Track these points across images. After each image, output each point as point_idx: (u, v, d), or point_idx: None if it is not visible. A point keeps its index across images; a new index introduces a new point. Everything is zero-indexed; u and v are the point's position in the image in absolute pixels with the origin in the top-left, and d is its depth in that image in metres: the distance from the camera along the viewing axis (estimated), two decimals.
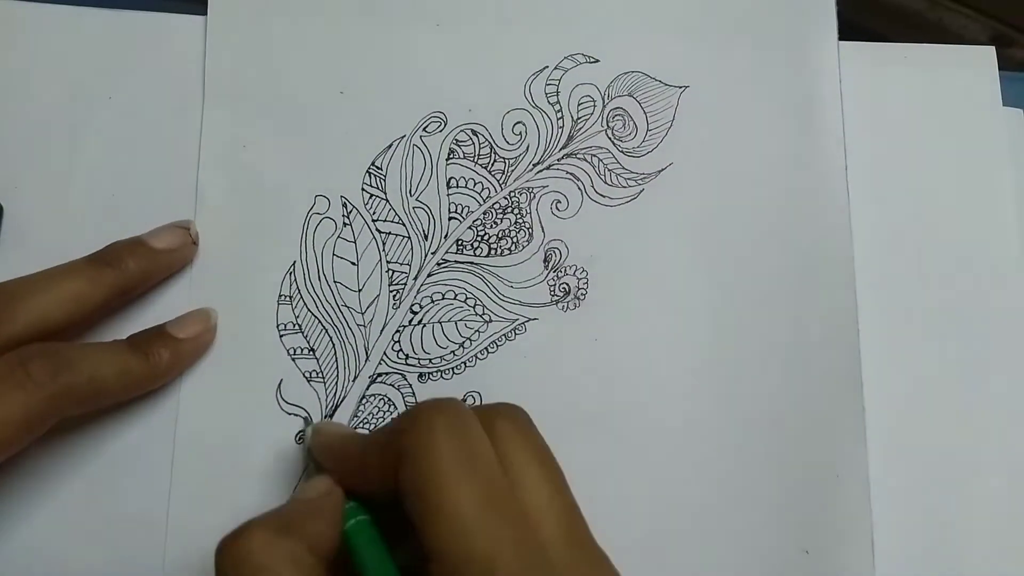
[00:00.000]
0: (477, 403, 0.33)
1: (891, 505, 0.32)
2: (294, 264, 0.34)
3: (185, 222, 0.34)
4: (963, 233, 0.35)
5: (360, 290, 0.34)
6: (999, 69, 0.36)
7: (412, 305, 0.34)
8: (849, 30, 0.36)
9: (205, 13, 0.36)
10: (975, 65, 0.37)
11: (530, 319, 0.34)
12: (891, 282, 0.35)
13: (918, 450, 0.33)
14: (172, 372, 0.32)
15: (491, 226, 0.35)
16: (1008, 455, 0.33)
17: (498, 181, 0.35)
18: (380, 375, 0.33)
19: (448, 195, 0.35)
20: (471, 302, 0.34)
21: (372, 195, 0.35)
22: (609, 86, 0.36)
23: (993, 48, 0.37)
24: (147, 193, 0.35)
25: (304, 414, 0.33)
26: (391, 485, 0.23)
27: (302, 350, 0.33)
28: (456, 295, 0.34)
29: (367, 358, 0.34)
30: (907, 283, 0.35)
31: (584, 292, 0.34)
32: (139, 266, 0.32)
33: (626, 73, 0.36)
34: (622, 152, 0.35)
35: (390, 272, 0.34)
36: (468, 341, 0.34)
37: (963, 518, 0.32)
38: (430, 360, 0.34)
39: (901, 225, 0.35)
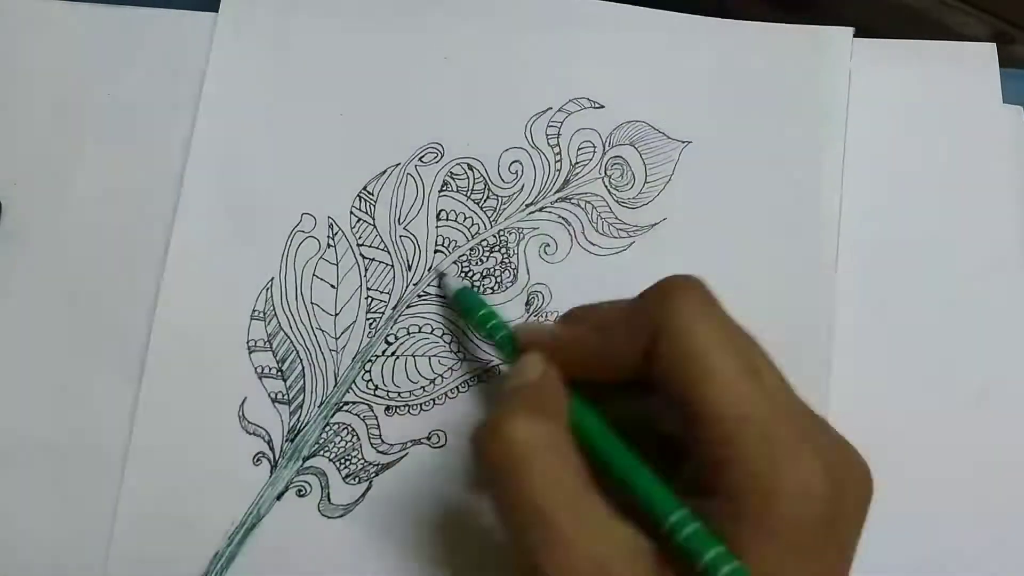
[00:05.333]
0: (442, 442, 0.32)
1: None
2: (272, 281, 0.34)
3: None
4: (962, 231, 0.34)
5: (337, 314, 0.34)
6: (999, 66, 0.36)
7: (387, 335, 0.33)
8: (850, 27, 0.36)
9: (215, 10, 0.36)
10: (975, 62, 0.36)
11: (504, 362, 0.33)
12: (888, 280, 0.34)
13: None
14: None
15: (476, 263, 0.34)
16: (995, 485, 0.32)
17: (489, 218, 0.35)
18: (347, 403, 0.33)
19: (437, 227, 0.34)
20: (447, 338, 0.33)
21: (360, 219, 0.34)
22: (611, 134, 0.35)
23: (994, 45, 0.36)
24: (147, 191, 0.35)
25: (265, 436, 0.32)
26: (633, 360, 0.24)
27: (270, 369, 0.33)
28: (433, 330, 0.33)
29: (336, 384, 0.33)
30: (904, 281, 0.34)
31: None
32: None
33: (630, 122, 0.35)
34: (617, 202, 0.35)
35: (369, 299, 0.34)
36: (440, 378, 0.33)
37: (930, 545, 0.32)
38: (399, 394, 0.33)
39: (900, 223, 0.34)
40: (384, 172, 0.35)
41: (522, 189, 0.35)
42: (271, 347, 0.33)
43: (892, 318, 0.33)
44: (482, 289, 0.34)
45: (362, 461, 0.32)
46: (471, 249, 0.34)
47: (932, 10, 0.40)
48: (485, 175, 0.35)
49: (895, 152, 0.35)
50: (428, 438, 0.32)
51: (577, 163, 0.35)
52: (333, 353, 0.33)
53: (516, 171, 0.35)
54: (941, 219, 0.34)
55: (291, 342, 0.33)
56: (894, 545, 0.31)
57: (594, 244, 0.34)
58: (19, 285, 0.34)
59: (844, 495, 0.22)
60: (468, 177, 0.35)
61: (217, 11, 0.36)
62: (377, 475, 0.32)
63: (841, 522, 0.22)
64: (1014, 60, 0.37)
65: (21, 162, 0.35)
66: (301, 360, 0.33)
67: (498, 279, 0.34)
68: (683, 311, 0.23)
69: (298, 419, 0.33)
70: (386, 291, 0.34)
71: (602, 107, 0.36)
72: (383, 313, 0.34)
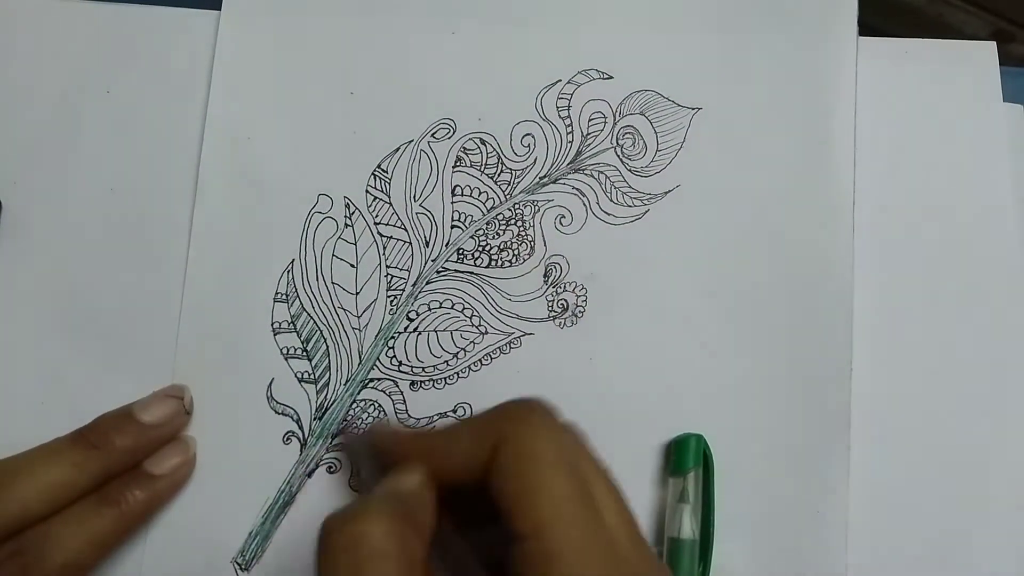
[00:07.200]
0: (468, 414, 0.33)
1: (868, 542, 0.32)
2: (292, 262, 0.34)
3: (178, 389, 0.32)
4: (962, 229, 0.35)
5: (358, 293, 0.34)
6: (999, 64, 0.36)
7: (409, 312, 0.34)
8: None
9: (214, 8, 0.36)
10: (975, 61, 0.36)
11: (526, 333, 0.34)
12: (888, 278, 0.34)
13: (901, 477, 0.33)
14: (144, 517, 0.30)
15: (493, 237, 0.34)
16: (995, 502, 0.33)
17: (503, 192, 0.35)
18: (372, 380, 0.33)
19: (452, 203, 0.35)
20: (468, 312, 0.34)
21: (376, 197, 0.35)
22: (621, 103, 0.35)
23: (994, 43, 0.36)
24: (146, 189, 0.35)
25: (293, 415, 0.33)
26: (476, 471, 0.24)
27: (295, 350, 0.33)
28: (453, 304, 0.34)
29: (360, 362, 0.33)
30: (905, 279, 0.34)
31: (582, 310, 0.34)
32: (127, 445, 0.30)
33: (639, 91, 0.36)
34: (630, 171, 0.35)
35: (389, 277, 0.34)
36: (463, 352, 0.33)
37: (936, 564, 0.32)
38: (423, 369, 0.33)
39: (900, 220, 0.35)
40: (397, 149, 0.35)
41: (535, 162, 0.35)
42: (295, 328, 0.33)
43: (889, 316, 0.34)
44: (500, 262, 0.34)
45: None
46: (487, 223, 0.35)
47: (932, 9, 0.40)
48: (498, 149, 0.35)
49: (895, 151, 0.35)
50: (454, 411, 0.33)
51: (588, 134, 0.35)
52: (356, 332, 0.34)
53: (528, 144, 0.35)
54: (941, 217, 0.35)
55: (314, 322, 0.34)
56: (908, 537, 0.32)
57: (609, 214, 0.35)
58: (19, 285, 0.34)
59: None
60: (481, 152, 0.35)
61: (214, 9, 0.36)
62: None
63: None
64: (1014, 58, 0.37)
65: (21, 162, 0.35)
66: (325, 340, 0.33)
67: (515, 252, 0.34)
68: (526, 428, 0.23)
69: (325, 397, 0.33)
70: (405, 268, 0.34)
71: (611, 78, 0.36)
72: (403, 290, 0.34)
